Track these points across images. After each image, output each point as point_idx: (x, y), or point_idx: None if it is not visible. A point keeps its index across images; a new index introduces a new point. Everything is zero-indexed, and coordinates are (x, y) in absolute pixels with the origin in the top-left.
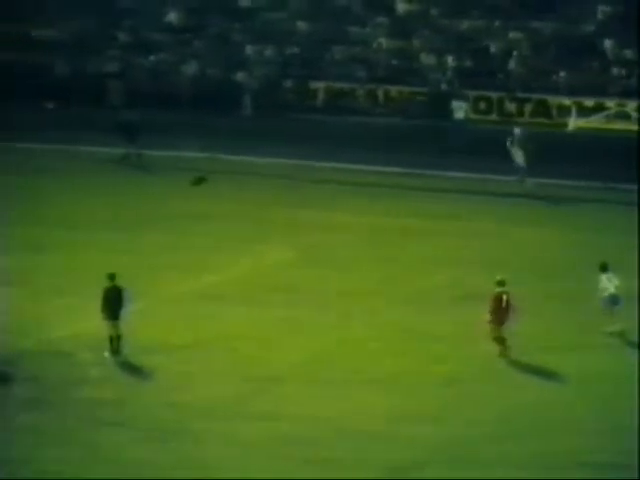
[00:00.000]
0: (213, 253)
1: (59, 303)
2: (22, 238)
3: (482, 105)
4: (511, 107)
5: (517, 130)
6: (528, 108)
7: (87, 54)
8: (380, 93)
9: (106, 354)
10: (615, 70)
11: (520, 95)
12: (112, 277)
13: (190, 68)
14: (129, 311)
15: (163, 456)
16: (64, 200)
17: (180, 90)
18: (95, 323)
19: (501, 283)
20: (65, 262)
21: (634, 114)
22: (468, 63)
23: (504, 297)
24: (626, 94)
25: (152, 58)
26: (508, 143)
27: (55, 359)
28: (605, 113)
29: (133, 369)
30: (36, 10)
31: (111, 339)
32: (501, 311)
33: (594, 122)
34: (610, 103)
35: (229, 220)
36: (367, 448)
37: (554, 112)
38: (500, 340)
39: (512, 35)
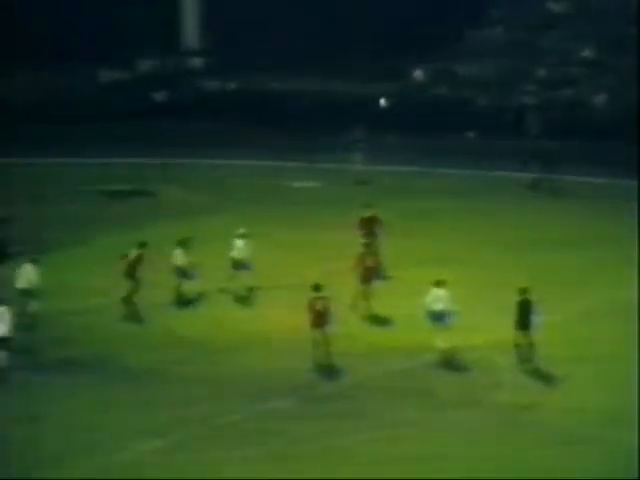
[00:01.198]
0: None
1: (478, 312)
2: (420, 251)
3: None
4: None
5: None
6: None
7: (506, 88)
8: None
9: (513, 361)
10: None
11: None
12: (523, 291)
13: (600, 99)
14: (539, 323)
15: (565, 460)
16: (457, 218)
17: (591, 120)
18: (508, 332)
19: None
20: (460, 277)
21: None
22: None
23: None
24: None
25: (567, 91)
26: None
27: (473, 364)
28: None
29: (542, 376)
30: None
31: (518, 347)
32: None
33: None
34: None
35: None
36: None
37: None
38: None
39: None
